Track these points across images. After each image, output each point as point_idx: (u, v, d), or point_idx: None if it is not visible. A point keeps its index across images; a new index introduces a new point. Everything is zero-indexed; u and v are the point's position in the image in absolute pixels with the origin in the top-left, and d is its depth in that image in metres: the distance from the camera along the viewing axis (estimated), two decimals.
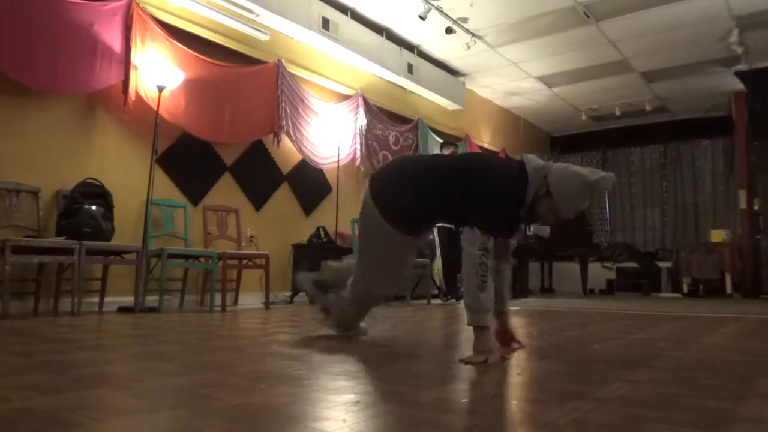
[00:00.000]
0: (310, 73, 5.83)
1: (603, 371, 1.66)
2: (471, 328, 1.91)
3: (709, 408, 1.19)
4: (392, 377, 1.59)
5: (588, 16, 5.90)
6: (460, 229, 1.98)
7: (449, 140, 6.84)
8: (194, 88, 4.62)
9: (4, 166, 3.65)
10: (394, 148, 6.69)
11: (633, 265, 8.83)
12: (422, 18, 5.69)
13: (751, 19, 5.91)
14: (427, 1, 5.62)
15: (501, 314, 2.16)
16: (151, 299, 4.14)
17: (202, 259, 4.42)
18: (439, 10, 5.80)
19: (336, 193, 5.92)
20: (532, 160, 2.04)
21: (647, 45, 6.58)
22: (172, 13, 4.61)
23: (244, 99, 5.01)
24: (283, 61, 5.39)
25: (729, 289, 7.37)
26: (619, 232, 10.01)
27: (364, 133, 6.26)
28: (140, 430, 0.99)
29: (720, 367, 1.77)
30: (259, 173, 5.38)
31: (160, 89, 4.20)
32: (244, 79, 5.05)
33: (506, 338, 2.16)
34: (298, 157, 5.66)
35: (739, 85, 7.50)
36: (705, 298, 7.12)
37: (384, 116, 6.63)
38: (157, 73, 4.22)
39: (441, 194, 2.05)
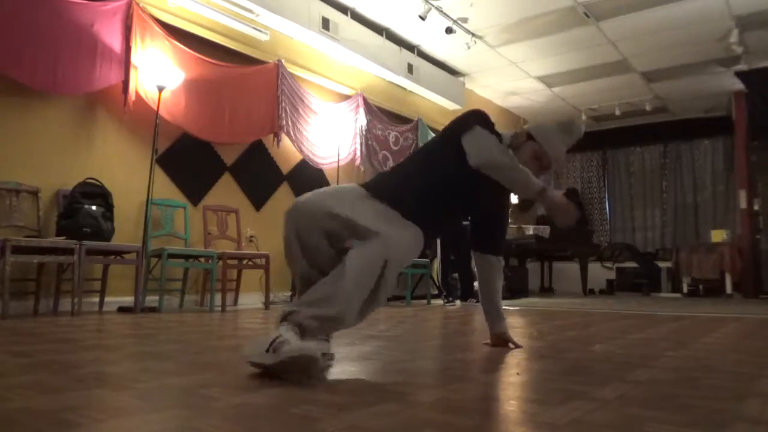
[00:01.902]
0: (310, 73, 5.83)
1: (603, 371, 1.66)
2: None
3: (709, 408, 1.19)
4: (392, 377, 1.59)
5: (588, 16, 5.90)
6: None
7: None
8: (194, 88, 4.63)
9: (4, 166, 3.65)
10: (394, 148, 6.69)
11: (633, 265, 8.83)
12: (422, 18, 5.69)
13: (751, 19, 5.91)
14: (427, 1, 5.62)
15: (495, 335, 2.21)
16: (151, 299, 4.14)
17: (202, 259, 4.42)
18: (439, 10, 5.80)
19: None
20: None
21: (647, 45, 6.57)
22: (172, 13, 4.61)
23: (244, 99, 5.01)
24: (283, 61, 5.39)
25: (729, 289, 7.37)
26: (619, 232, 10.01)
27: (364, 133, 6.26)
28: (140, 430, 0.99)
29: (720, 367, 1.77)
30: (259, 173, 5.38)
31: (160, 89, 4.20)
32: (244, 79, 5.05)
33: (502, 343, 2.19)
34: (298, 157, 5.66)
35: (739, 85, 7.49)
36: (705, 298, 7.12)
37: (384, 116, 6.63)
38: (157, 73, 4.22)
39: (443, 165, 1.92)
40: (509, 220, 2.36)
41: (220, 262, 4.40)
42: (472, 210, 2.13)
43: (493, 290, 2.19)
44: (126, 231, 4.18)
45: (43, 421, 1.02)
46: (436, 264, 6.32)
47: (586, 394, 1.29)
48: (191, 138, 4.66)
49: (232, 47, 5.06)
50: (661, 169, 9.73)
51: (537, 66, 7.34)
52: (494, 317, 2.20)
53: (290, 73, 5.48)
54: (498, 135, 1.99)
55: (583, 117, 9.21)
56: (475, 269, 2.25)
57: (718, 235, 7.85)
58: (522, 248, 7.40)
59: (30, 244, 3.43)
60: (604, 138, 10.07)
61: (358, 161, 6.17)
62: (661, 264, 8.68)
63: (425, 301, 5.79)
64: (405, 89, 6.93)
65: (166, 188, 4.59)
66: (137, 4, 4.26)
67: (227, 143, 5.03)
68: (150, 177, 4.12)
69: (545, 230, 7.22)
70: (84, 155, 4.09)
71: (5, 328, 2.70)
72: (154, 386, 1.36)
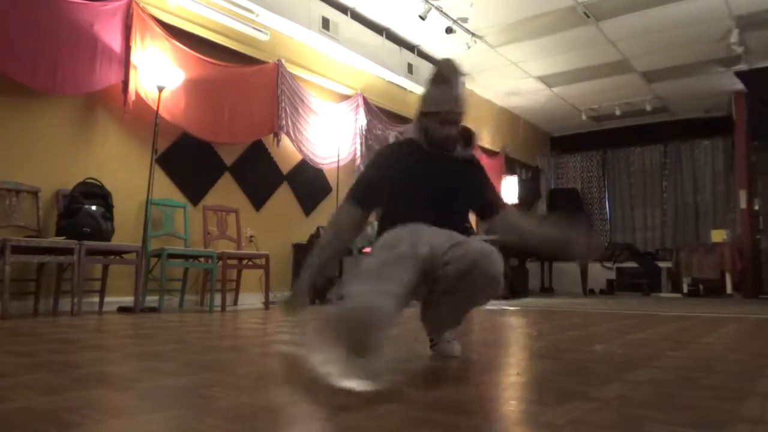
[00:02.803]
0: (310, 73, 5.83)
1: (603, 371, 1.66)
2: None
3: (709, 408, 1.19)
4: (392, 377, 1.59)
5: (588, 16, 5.90)
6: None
7: None
8: (194, 88, 4.62)
9: (4, 166, 3.65)
10: None
11: (633, 265, 8.82)
12: (422, 18, 5.69)
13: (751, 19, 5.90)
14: (427, 1, 5.62)
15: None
16: (151, 299, 4.14)
17: (202, 259, 4.42)
18: (439, 10, 5.80)
19: (336, 193, 5.92)
20: None
21: (647, 45, 6.57)
22: (172, 13, 4.61)
23: (244, 99, 5.01)
24: (283, 61, 5.39)
25: (729, 289, 7.36)
26: (619, 232, 10.01)
27: (364, 133, 6.26)
28: (140, 430, 0.99)
29: (720, 367, 1.77)
30: (259, 173, 5.37)
31: (160, 89, 4.19)
32: (244, 79, 5.05)
33: None
34: (298, 157, 5.66)
35: (739, 85, 7.49)
36: (705, 298, 7.12)
37: (384, 116, 6.63)
38: (157, 73, 4.22)
39: None
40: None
41: (220, 262, 4.40)
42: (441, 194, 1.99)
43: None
44: (126, 231, 4.18)
45: (43, 421, 1.02)
46: None
47: (586, 394, 1.29)
48: (191, 138, 4.65)
49: (232, 47, 5.05)
50: (661, 169, 9.73)
51: (537, 66, 7.33)
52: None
53: (290, 73, 5.48)
54: (405, 143, 2.08)
55: (584, 117, 9.21)
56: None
57: (718, 235, 7.84)
58: (522, 248, 7.39)
59: (30, 244, 3.42)
60: (604, 138, 10.07)
61: (358, 161, 6.17)
62: (661, 264, 8.68)
63: None
64: (405, 89, 6.93)
65: (165, 188, 4.58)
66: (137, 4, 4.25)
67: (227, 143, 5.02)
68: (150, 177, 4.11)
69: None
70: (84, 155, 4.09)
71: (5, 328, 2.70)
72: (154, 386, 1.36)
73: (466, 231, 1.97)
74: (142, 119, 4.29)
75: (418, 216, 1.84)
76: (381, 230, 1.91)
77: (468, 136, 2.06)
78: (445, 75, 1.97)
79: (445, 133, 1.94)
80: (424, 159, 1.97)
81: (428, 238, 1.77)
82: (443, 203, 1.95)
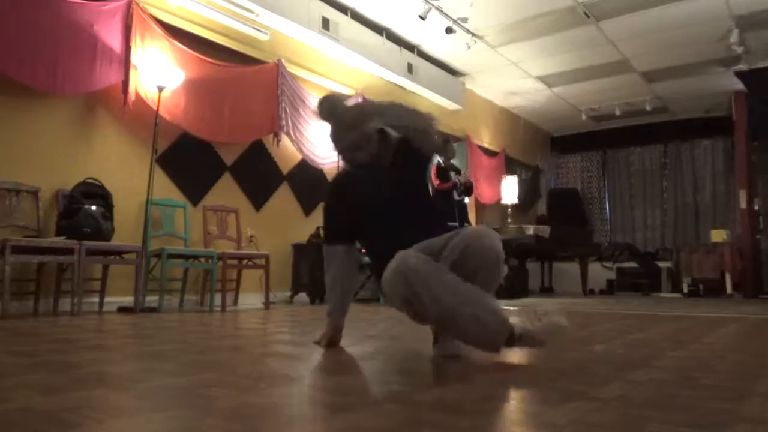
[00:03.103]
0: (310, 73, 5.83)
1: (603, 371, 1.66)
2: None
3: (709, 408, 1.19)
4: (392, 377, 1.59)
5: (588, 16, 5.90)
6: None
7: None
8: (194, 88, 4.62)
9: (4, 166, 3.65)
10: None
11: (633, 265, 8.82)
12: (422, 18, 5.69)
13: (751, 19, 5.90)
14: (427, 1, 5.62)
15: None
16: (151, 299, 4.14)
17: (202, 259, 4.42)
18: (439, 10, 5.80)
19: None
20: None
21: (647, 45, 6.57)
22: (172, 13, 4.61)
23: (244, 99, 5.01)
24: (283, 61, 5.39)
25: (729, 289, 7.36)
26: (619, 232, 10.01)
27: None
28: (140, 430, 0.99)
29: (720, 367, 1.77)
30: (259, 173, 5.37)
31: (160, 89, 4.19)
32: (244, 79, 5.05)
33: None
34: (298, 157, 5.66)
35: (739, 85, 7.49)
36: (705, 298, 7.12)
37: None
38: (157, 73, 4.22)
39: None
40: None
41: (220, 262, 4.40)
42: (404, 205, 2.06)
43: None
44: (126, 231, 4.17)
45: (43, 421, 1.02)
46: None
47: (586, 394, 1.29)
48: (191, 138, 4.65)
49: (232, 47, 5.05)
50: (661, 169, 9.74)
51: (537, 66, 7.33)
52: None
53: (290, 73, 5.48)
54: (345, 178, 2.21)
55: (584, 117, 9.21)
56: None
57: (718, 235, 7.85)
58: (522, 248, 7.39)
59: (30, 244, 3.42)
60: (604, 138, 10.08)
61: None
62: (661, 264, 8.67)
63: None
64: (405, 89, 6.93)
65: (165, 188, 4.58)
66: (137, 4, 4.25)
67: (227, 143, 5.02)
68: (150, 177, 4.11)
69: (545, 230, 7.22)
70: (84, 155, 4.09)
71: (5, 328, 2.70)
72: (154, 386, 1.36)
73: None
74: (142, 119, 4.29)
75: (405, 235, 1.84)
76: (374, 265, 1.90)
77: (382, 139, 2.09)
78: (328, 117, 2.18)
79: (369, 154, 2.00)
80: (369, 185, 2.02)
81: (422, 244, 1.79)
82: (416, 210, 1.97)
